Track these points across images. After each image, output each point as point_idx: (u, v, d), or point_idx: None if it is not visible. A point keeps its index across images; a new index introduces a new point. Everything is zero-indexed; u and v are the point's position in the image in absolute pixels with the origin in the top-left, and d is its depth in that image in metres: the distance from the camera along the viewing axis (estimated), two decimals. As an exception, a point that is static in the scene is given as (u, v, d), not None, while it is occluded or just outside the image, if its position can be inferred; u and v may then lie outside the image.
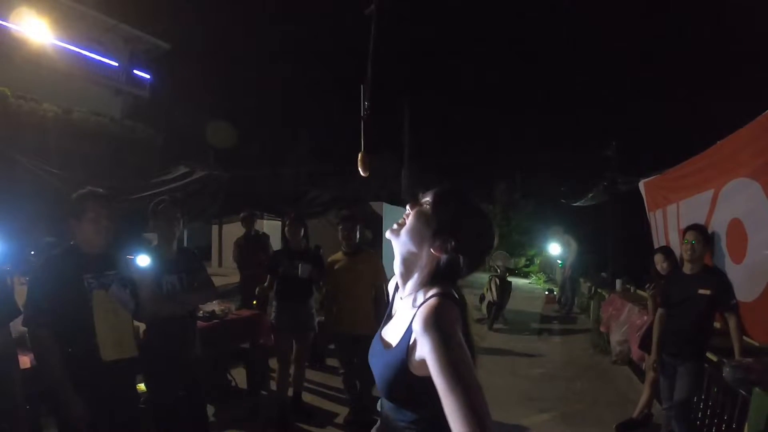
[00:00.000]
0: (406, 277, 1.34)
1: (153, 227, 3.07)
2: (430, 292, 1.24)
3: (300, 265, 4.31)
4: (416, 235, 1.29)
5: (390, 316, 1.43)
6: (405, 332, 1.23)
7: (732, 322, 3.38)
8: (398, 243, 1.33)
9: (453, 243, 1.26)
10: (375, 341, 1.40)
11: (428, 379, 1.09)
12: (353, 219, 4.46)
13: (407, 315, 1.27)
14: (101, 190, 2.54)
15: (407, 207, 1.35)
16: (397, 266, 1.35)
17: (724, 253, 3.68)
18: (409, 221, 1.31)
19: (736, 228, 3.53)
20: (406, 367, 1.20)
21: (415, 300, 1.29)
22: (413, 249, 1.30)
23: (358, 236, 4.46)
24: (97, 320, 2.35)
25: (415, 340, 1.18)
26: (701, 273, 3.52)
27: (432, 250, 1.27)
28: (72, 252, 2.43)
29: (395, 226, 1.34)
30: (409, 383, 1.20)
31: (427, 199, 1.32)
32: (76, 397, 2.23)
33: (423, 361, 1.12)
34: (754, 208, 3.31)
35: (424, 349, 1.11)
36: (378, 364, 1.32)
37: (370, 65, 3.08)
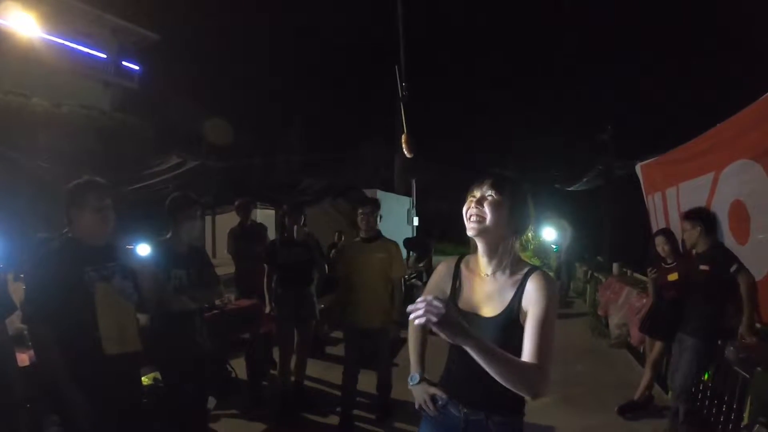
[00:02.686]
0: (491, 256, 1.65)
1: (170, 220, 3.05)
2: (525, 264, 1.65)
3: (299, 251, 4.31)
4: (501, 224, 1.59)
5: (458, 289, 1.74)
6: (514, 295, 1.59)
7: (742, 289, 3.39)
8: (487, 234, 1.60)
9: (522, 224, 1.64)
10: (462, 315, 1.60)
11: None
12: (374, 203, 4.18)
13: (508, 283, 1.62)
14: (99, 178, 2.47)
15: (473, 199, 1.61)
16: (485, 251, 1.65)
17: (728, 235, 3.67)
18: (492, 215, 1.57)
19: (738, 209, 3.53)
20: (518, 320, 1.56)
21: (511, 272, 1.63)
22: (500, 234, 1.61)
23: (378, 221, 4.15)
24: (99, 314, 2.29)
25: (525, 298, 1.56)
26: (706, 251, 3.63)
27: (513, 233, 1.63)
28: (71, 244, 2.34)
29: (473, 219, 1.60)
30: (519, 330, 1.53)
31: (491, 192, 1.59)
32: (78, 393, 2.17)
33: (526, 312, 1.54)
34: (756, 189, 3.31)
35: (535, 302, 1.53)
36: (487, 328, 1.58)
37: (402, 46, 3.04)
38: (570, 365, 5.76)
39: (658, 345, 4.34)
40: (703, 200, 4.07)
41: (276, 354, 4.67)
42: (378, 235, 4.12)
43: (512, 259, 1.64)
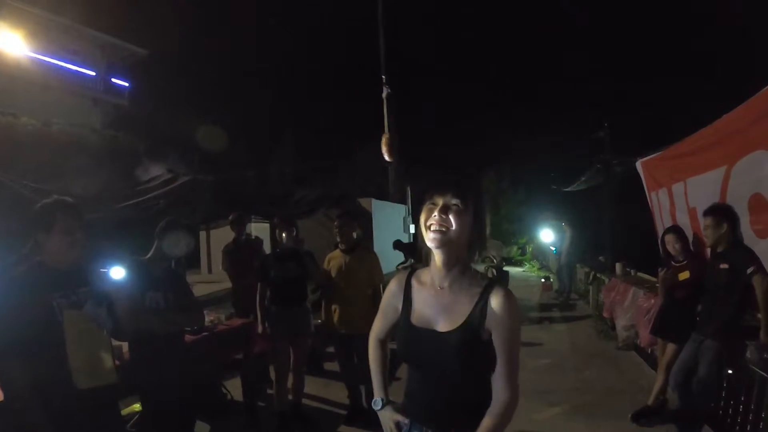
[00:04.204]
0: (449, 268, 1.58)
1: (157, 243, 2.98)
2: (481, 277, 1.62)
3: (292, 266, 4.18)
4: (464, 234, 1.53)
5: (410, 304, 1.66)
6: (474, 308, 1.53)
7: (758, 292, 3.26)
8: (450, 245, 1.52)
9: (482, 233, 1.62)
10: (416, 331, 1.60)
11: (488, 343, 1.52)
12: (350, 215, 4.39)
13: (465, 296, 1.56)
14: (68, 198, 2.28)
15: (435, 208, 1.52)
16: (443, 263, 1.57)
17: (747, 229, 3.52)
18: (457, 225, 1.50)
19: (759, 203, 3.37)
20: (478, 334, 1.52)
21: (468, 284, 1.58)
22: (461, 244, 1.55)
23: (355, 233, 4.33)
24: (70, 344, 2.09)
25: (488, 313, 1.51)
26: (727, 249, 3.54)
27: (472, 243, 1.59)
28: (37, 269, 2.15)
29: (437, 230, 1.50)
30: (481, 346, 1.52)
31: (456, 201, 1.51)
32: (50, 428, 1.97)
33: (489, 330, 1.51)
34: None
35: (500, 324, 1.50)
36: (445, 343, 1.53)
37: (382, 40, 2.90)
38: (579, 372, 5.59)
39: (670, 347, 4.15)
40: (716, 195, 3.91)
41: (272, 373, 4.49)
42: (356, 246, 4.30)
43: (468, 271, 1.61)
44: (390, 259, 9.48)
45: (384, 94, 2.97)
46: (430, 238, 1.52)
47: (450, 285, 1.60)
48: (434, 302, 1.61)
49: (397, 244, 8.46)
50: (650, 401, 4.24)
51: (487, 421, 1.49)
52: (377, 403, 1.77)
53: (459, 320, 1.53)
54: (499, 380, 1.50)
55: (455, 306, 1.57)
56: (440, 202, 1.52)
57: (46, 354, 2.04)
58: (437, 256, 1.57)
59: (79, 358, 2.10)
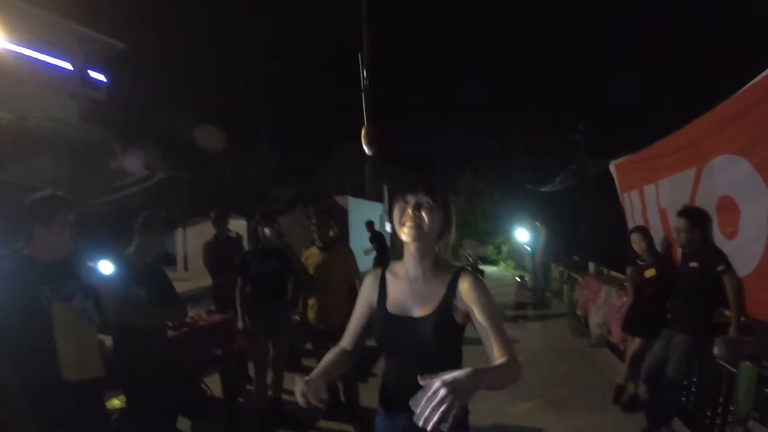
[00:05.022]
0: (421, 260, 1.69)
1: (138, 238, 3.01)
2: (450, 265, 1.72)
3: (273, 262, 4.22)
4: (435, 228, 1.65)
5: (386, 295, 1.76)
6: (446, 293, 1.64)
7: (728, 290, 3.40)
8: (424, 238, 1.64)
9: (449, 227, 1.71)
10: (393, 319, 1.70)
11: (462, 327, 1.65)
12: (326, 213, 4.42)
13: (437, 283, 1.67)
14: (62, 193, 2.29)
15: (408, 205, 1.63)
16: (417, 254, 1.68)
17: (716, 231, 3.66)
18: (429, 220, 1.62)
19: (728, 205, 3.51)
20: (452, 317, 1.63)
21: (439, 273, 1.69)
22: (432, 237, 1.67)
23: (331, 230, 4.41)
24: (58, 337, 2.11)
25: (459, 298, 1.62)
26: (696, 249, 3.68)
27: (441, 235, 1.70)
28: (26, 261, 2.16)
29: (411, 225, 1.62)
30: (455, 329, 1.64)
31: (427, 199, 1.62)
32: (34, 426, 1.98)
33: (466, 311, 1.61)
34: (744, 185, 3.28)
35: (475, 301, 1.58)
36: (421, 327, 1.63)
37: (365, 32, 2.94)
38: (552, 367, 5.72)
39: (637, 341, 4.34)
40: (686, 196, 4.05)
41: (252, 370, 4.51)
42: (333, 243, 4.38)
43: (440, 261, 1.72)
44: (367, 256, 9.54)
45: (363, 86, 3.01)
46: (405, 233, 1.63)
47: (423, 274, 1.70)
48: (409, 291, 1.71)
49: (370, 226, 8.55)
50: (620, 380, 4.53)
51: (489, 367, 1.43)
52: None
53: (433, 306, 1.64)
54: (498, 348, 1.51)
55: (429, 293, 1.67)
56: (412, 200, 1.63)
57: (34, 346, 2.06)
58: (411, 249, 1.68)
59: (67, 351, 2.12)
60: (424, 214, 1.62)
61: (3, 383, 2.00)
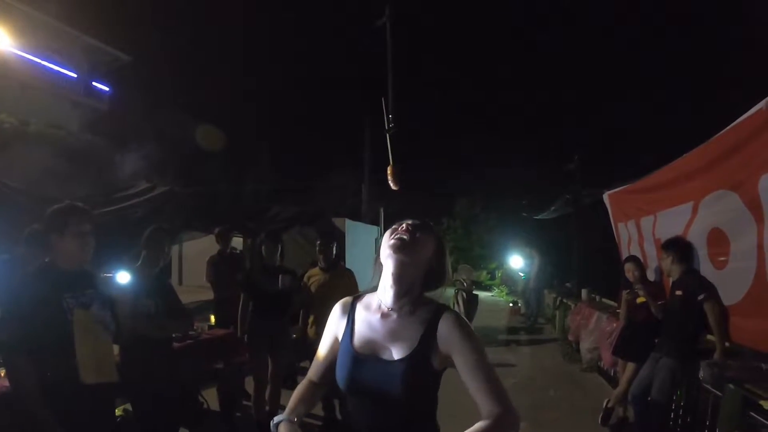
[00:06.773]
0: (400, 290, 1.49)
1: (144, 251, 3.12)
2: (431, 302, 1.52)
3: (280, 276, 4.28)
4: (423, 257, 1.49)
5: (352, 331, 1.54)
6: (424, 334, 1.43)
7: (709, 318, 3.54)
8: (411, 255, 1.46)
9: (438, 262, 1.53)
10: (360, 359, 1.47)
11: (441, 373, 1.44)
12: (331, 235, 4.64)
13: (414, 321, 1.47)
14: (81, 204, 2.43)
15: (398, 227, 1.51)
16: (396, 274, 1.48)
17: (705, 261, 3.84)
18: (421, 239, 1.48)
19: (718, 236, 3.70)
20: (430, 363, 1.42)
21: (417, 309, 1.49)
22: (418, 266, 1.49)
23: (334, 252, 4.55)
24: (77, 341, 2.21)
25: (440, 339, 1.42)
26: (681, 277, 3.82)
27: (427, 275, 1.52)
28: (49, 269, 2.28)
29: (399, 236, 1.48)
30: (432, 376, 1.43)
31: (419, 232, 1.48)
32: (54, 424, 2.08)
33: (447, 356, 1.41)
34: (734, 218, 3.48)
35: (457, 347, 1.39)
36: (391, 373, 1.41)
37: (390, 77, 3.13)
38: (543, 391, 5.80)
39: (631, 365, 4.45)
40: (681, 228, 4.23)
41: (249, 384, 4.57)
42: (335, 264, 4.55)
43: (419, 297, 1.52)
44: (364, 277, 9.55)
45: (387, 128, 3.22)
46: (389, 245, 1.47)
47: (399, 309, 1.49)
48: (381, 327, 1.50)
49: None
50: (610, 404, 4.59)
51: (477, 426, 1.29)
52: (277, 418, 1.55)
53: (408, 348, 1.42)
54: (486, 400, 1.32)
55: (404, 331, 1.46)
56: (408, 221, 1.52)
57: (55, 349, 2.16)
58: (390, 267, 1.48)
59: (85, 355, 2.22)
60: (417, 234, 1.47)
61: (26, 383, 2.11)
